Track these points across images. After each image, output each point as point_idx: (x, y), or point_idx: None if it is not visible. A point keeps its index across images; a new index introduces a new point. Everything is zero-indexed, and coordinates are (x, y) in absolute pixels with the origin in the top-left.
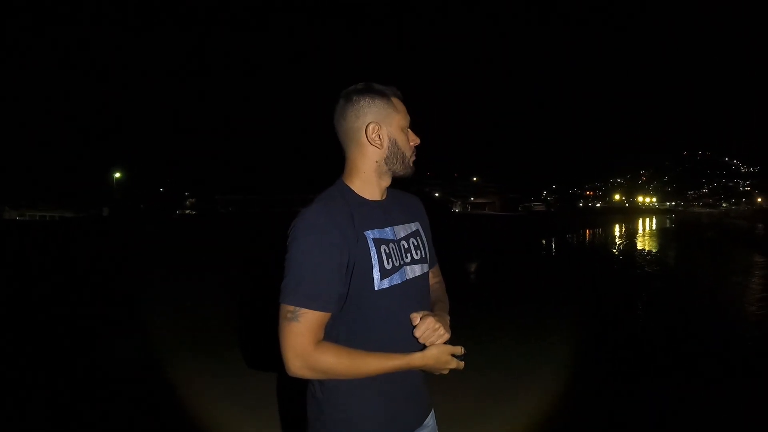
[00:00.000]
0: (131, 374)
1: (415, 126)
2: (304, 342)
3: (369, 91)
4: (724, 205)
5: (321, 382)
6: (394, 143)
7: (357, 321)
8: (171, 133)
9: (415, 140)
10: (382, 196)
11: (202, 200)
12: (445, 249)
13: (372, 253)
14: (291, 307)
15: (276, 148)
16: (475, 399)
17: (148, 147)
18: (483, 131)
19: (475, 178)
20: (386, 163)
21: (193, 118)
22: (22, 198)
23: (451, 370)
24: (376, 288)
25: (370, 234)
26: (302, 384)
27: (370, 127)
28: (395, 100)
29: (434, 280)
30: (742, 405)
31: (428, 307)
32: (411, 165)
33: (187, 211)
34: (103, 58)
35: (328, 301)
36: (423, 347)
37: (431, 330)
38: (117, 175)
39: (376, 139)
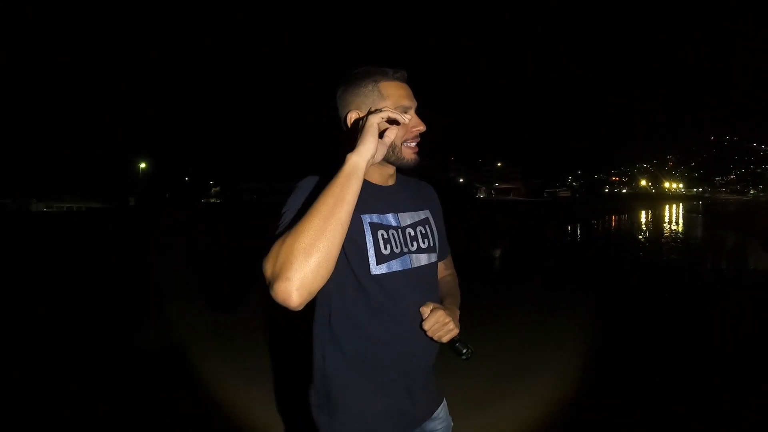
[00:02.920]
0: (149, 359)
1: (439, 111)
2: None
3: (354, 79)
4: (752, 191)
5: (324, 375)
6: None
7: (357, 307)
8: (196, 123)
9: (416, 126)
10: (388, 182)
11: (227, 189)
12: (470, 234)
13: (367, 237)
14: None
15: (299, 134)
16: (491, 382)
17: (173, 137)
18: (508, 116)
19: (499, 164)
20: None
21: (217, 107)
22: (50, 190)
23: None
24: (372, 272)
25: (366, 218)
26: (310, 370)
27: (350, 116)
28: (386, 85)
29: (446, 272)
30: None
31: (436, 298)
32: (406, 155)
33: (212, 200)
34: (128, 50)
35: None
36: (431, 340)
37: (440, 324)
38: (142, 165)
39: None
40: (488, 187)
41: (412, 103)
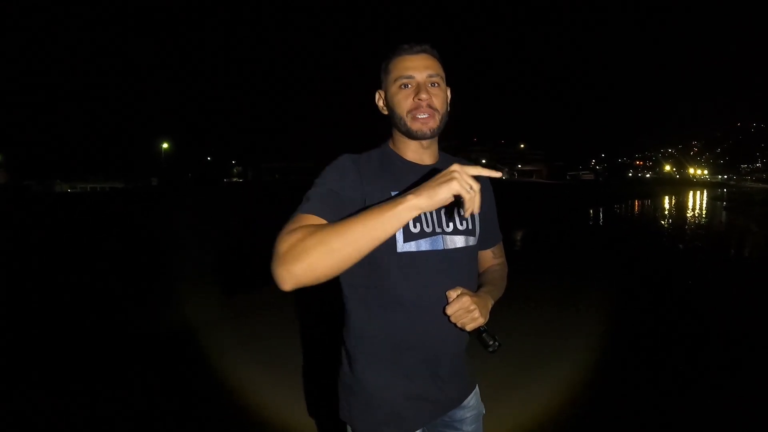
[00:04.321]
0: (167, 340)
1: (462, 91)
2: (291, 228)
3: (380, 60)
4: None
5: (349, 354)
6: (390, 106)
7: (383, 286)
8: (218, 103)
9: (419, 95)
10: (424, 160)
11: (249, 168)
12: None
13: None
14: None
15: (323, 114)
16: (515, 367)
17: (195, 117)
18: (531, 96)
19: (522, 145)
20: (395, 127)
21: (240, 86)
22: (73, 171)
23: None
24: (398, 250)
25: (395, 195)
26: (335, 355)
27: (376, 95)
28: (394, 61)
29: (495, 261)
30: None
31: (471, 285)
32: (411, 126)
33: (234, 179)
34: (152, 28)
35: (321, 206)
36: (454, 326)
37: (464, 310)
38: (165, 145)
39: (382, 106)
40: (511, 169)
41: (416, 74)
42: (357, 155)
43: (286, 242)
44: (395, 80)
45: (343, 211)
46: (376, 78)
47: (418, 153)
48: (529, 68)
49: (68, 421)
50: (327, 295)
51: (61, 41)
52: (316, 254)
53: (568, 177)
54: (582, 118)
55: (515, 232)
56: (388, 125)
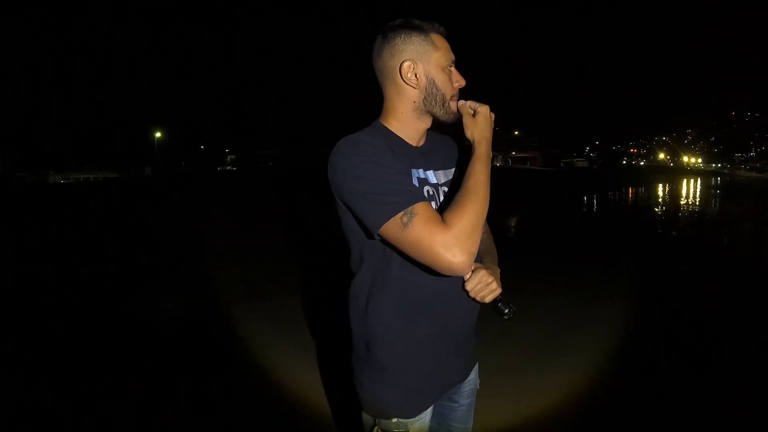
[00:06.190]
0: (186, 319)
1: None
2: (437, 226)
3: (405, 27)
4: None
5: (366, 336)
6: (432, 83)
7: (400, 265)
8: (209, 91)
9: (459, 81)
10: (420, 141)
11: (243, 156)
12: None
13: None
14: (398, 216)
15: (313, 99)
16: (521, 352)
17: (188, 106)
18: (526, 83)
19: (516, 132)
20: (424, 104)
21: (230, 75)
22: (66, 162)
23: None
24: None
25: (415, 173)
26: (350, 337)
27: (405, 65)
28: (435, 37)
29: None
30: None
31: (477, 258)
32: (453, 109)
33: (228, 167)
34: (142, 22)
35: (420, 193)
36: (472, 301)
37: (483, 284)
38: (158, 134)
39: (412, 78)
40: (505, 156)
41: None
42: (365, 136)
43: (455, 235)
44: (446, 60)
45: (412, 180)
46: (381, 49)
47: (418, 134)
48: (524, 54)
49: (77, 420)
50: (337, 281)
51: (53, 32)
52: (478, 232)
53: (562, 164)
54: (576, 106)
55: (509, 219)
56: (381, 100)
